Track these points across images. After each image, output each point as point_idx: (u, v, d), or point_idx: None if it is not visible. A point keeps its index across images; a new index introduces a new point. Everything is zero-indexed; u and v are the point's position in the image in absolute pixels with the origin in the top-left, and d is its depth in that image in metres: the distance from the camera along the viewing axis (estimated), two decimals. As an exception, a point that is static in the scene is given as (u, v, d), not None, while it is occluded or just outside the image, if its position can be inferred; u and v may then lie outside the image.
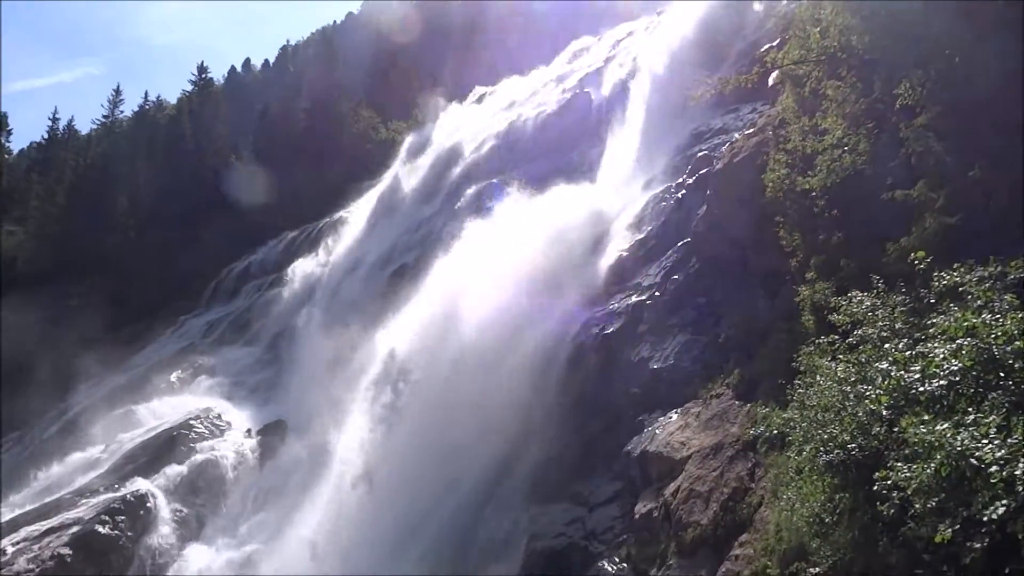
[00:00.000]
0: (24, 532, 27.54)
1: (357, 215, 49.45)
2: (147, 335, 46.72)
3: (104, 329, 46.76)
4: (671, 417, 19.32)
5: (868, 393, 8.75)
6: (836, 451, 9.00)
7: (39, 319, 48.37)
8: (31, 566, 25.34)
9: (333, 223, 50.21)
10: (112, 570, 26.81)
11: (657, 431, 19.23)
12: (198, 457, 31.55)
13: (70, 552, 26.14)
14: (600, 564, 18.77)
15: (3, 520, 29.37)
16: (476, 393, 24.25)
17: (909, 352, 8.62)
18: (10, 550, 26.41)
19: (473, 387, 24.40)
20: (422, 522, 22.99)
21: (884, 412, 8.53)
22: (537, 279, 26.34)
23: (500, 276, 26.74)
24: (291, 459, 31.32)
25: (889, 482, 7.69)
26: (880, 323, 9.90)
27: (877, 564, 8.61)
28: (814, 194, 14.84)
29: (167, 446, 32.01)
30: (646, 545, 17.31)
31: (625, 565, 18.06)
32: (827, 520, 9.61)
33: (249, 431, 33.82)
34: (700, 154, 27.82)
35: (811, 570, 9.89)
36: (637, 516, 18.06)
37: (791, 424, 10.43)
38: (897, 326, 9.67)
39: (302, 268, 46.57)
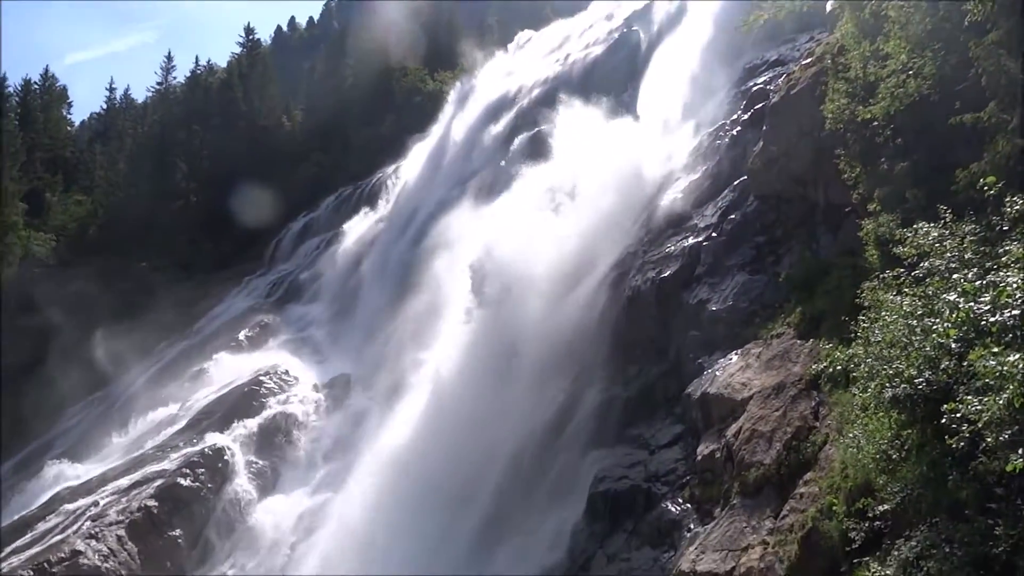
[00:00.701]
0: (112, 486, 29.14)
1: (408, 168, 49.62)
2: (214, 296, 48.20)
3: (173, 292, 48.38)
4: (731, 359, 19.14)
5: (936, 326, 8.49)
6: (903, 386, 8.79)
7: (112, 285, 50.30)
8: (120, 517, 26.84)
9: (386, 178, 50.53)
10: (195, 520, 28.25)
11: (717, 373, 19.10)
12: (269, 412, 32.73)
13: (156, 503, 27.60)
14: (663, 505, 18.96)
15: (93, 475, 31.09)
16: (539, 336, 24.47)
17: (979, 282, 8.29)
18: (101, 502, 28.01)
19: (536, 329, 24.62)
20: (488, 464, 23.47)
21: (953, 345, 8.28)
22: (591, 224, 26.19)
23: (556, 221, 26.65)
24: (357, 410, 32.25)
25: (959, 415, 7.50)
26: (948, 254, 9.52)
27: (947, 499, 8.47)
28: (876, 123, 14.23)
29: (239, 402, 33.25)
30: (709, 486, 17.37)
31: (688, 505, 18.20)
32: (894, 456, 9.46)
33: (316, 385, 34.85)
34: (755, 88, 26.93)
35: (878, 507, 9.79)
36: (699, 458, 18.10)
37: (855, 360, 10.22)
38: (966, 256, 9.29)
39: (358, 225, 47.14)
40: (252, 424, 31.96)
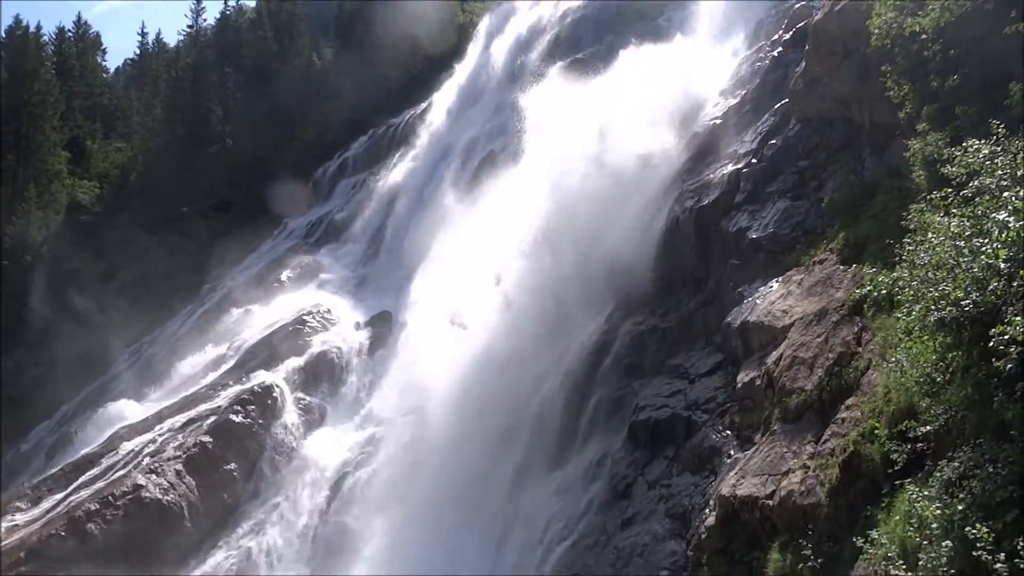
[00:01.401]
0: (168, 423, 30.31)
1: (441, 104, 49.07)
2: (254, 239, 48.85)
3: (214, 235, 49.20)
4: (772, 286, 18.94)
5: (985, 247, 8.26)
6: (949, 309, 8.63)
7: (154, 230, 51.31)
8: (178, 453, 28.00)
9: (419, 115, 50.08)
10: (249, 454, 29.35)
11: (758, 301, 18.94)
12: (313, 350, 33.51)
13: (210, 439, 28.70)
14: (703, 432, 19.12)
15: (149, 414, 32.33)
16: (580, 256, 24.47)
17: (1031, 199, 8.04)
18: (158, 439, 29.20)
19: (577, 263, 24.60)
20: (530, 396, 23.83)
21: (1002, 266, 8.06)
22: (629, 155, 25.77)
23: (595, 146, 26.28)
24: (399, 347, 32.78)
25: (1007, 337, 7.37)
26: (999, 172, 9.17)
27: (991, 420, 8.40)
28: (925, 36, 13.63)
29: (284, 341, 34.06)
30: (749, 412, 17.43)
31: (728, 432, 18.32)
32: (938, 379, 9.37)
33: (357, 323, 35.46)
34: (797, 6, 25.88)
35: (921, 429, 9.75)
36: (739, 385, 18.12)
37: (900, 284, 10.02)
38: (1019, 173, 8.95)
39: (393, 163, 47.06)
40: (298, 362, 32.79)
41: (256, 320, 37.62)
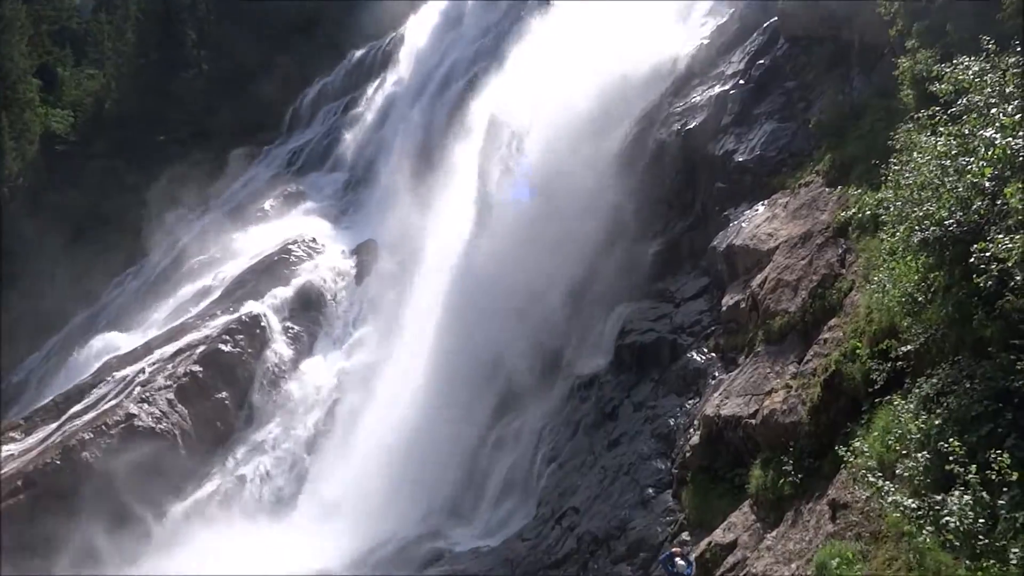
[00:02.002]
0: (157, 353, 30.44)
1: (423, 27, 47.67)
2: (235, 166, 48.02)
3: (193, 164, 48.27)
4: (757, 210, 18.94)
5: (970, 166, 8.25)
6: (933, 228, 8.67)
7: (133, 160, 50.32)
8: (168, 382, 28.20)
9: (400, 38, 48.68)
10: (240, 383, 29.64)
11: (743, 225, 18.96)
12: (299, 279, 33.47)
13: (200, 368, 28.89)
14: (688, 355, 19.41)
15: (138, 344, 32.41)
16: (567, 182, 24.29)
17: (1019, 116, 7.97)
18: (148, 369, 29.36)
19: (561, 187, 24.40)
20: (517, 322, 24.00)
21: (987, 184, 8.07)
22: (613, 77, 25.27)
23: (579, 68, 25.72)
24: (385, 274, 32.79)
25: (988, 255, 7.44)
26: (988, 89, 9.08)
27: (970, 338, 8.56)
28: (918, -50, 13.29)
29: (270, 271, 33.96)
30: (733, 335, 17.68)
31: (713, 355, 18.61)
32: (920, 299, 9.48)
33: (343, 252, 35.33)
34: (789, -81, 25.01)
35: (902, 348, 9.94)
36: (724, 308, 18.31)
37: (885, 205, 10.05)
38: (1008, 90, 8.85)
39: (374, 88, 45.99)
40: (285, 292, 32.78)
41: (241, 250, 37.38)
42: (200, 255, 38.72)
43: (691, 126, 22.52)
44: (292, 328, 31.71)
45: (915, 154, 9.84)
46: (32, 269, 43.10)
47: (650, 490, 17.42)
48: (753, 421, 13.92)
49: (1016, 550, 5.99)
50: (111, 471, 25.52)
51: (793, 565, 10.75)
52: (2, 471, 25.89)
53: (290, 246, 35.23)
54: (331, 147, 44.68)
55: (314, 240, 35.95)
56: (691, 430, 16.93)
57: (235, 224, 39.87)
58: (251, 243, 37.42)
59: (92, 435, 26.08)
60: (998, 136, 7.85)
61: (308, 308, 32.54)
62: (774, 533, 12.13)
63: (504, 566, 19.18)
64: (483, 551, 20.66)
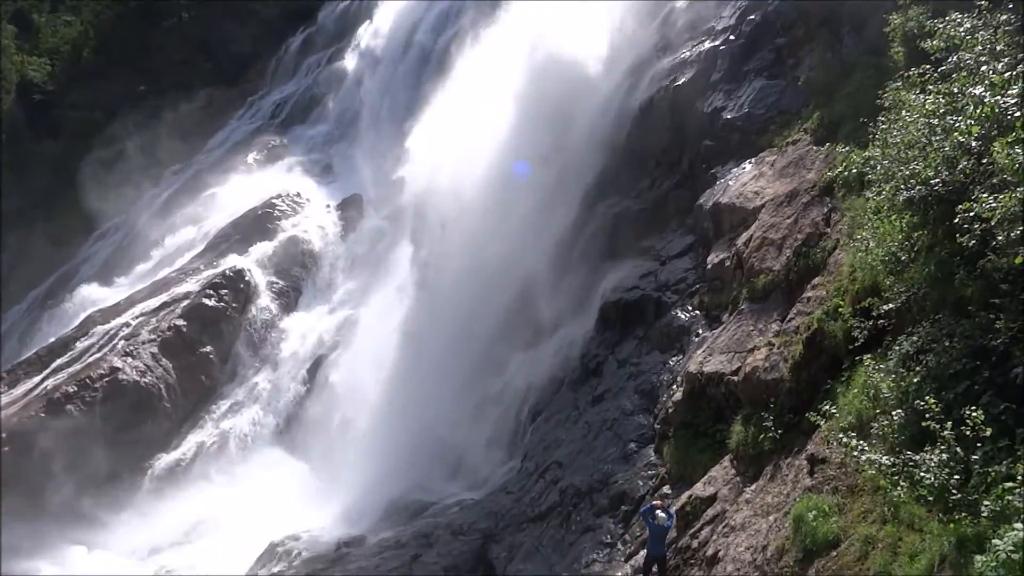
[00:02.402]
0: (141, 307, 30.27)
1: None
2: (217, 118, 47.23)
3: (176, 115, 47.42)
4: (745, 167, 18.90)
5: (958, 124, 8.23)
6: (918, 188, 8.68)
7: (112, 110, 49.32)
8: (152, 336, 28.10)
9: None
10: (224, 338, 29.59)
11: (730, 183, 18.93)
12: (284, 234, 33.23)
13: (184, 323, 28.79)
14: (673, 313, 19.52)
15: (121, 297, 32.19)
16: (554, 136, 24.06)
17: (1009, 74, 7.93)
18: (132, 323, 29.21)
19: (546, 145, 24.18)
20: (501, 280, 23.98)
21: (973, 143, 8.06)
22: (600, 29, 24.89)
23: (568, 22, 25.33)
24: (371, 230, 32.60)
25: (972, 214, 7.46)
26: (979, 47, 9.03)
27: (952, 296, 8.63)
28: (913, -99, 13.03)
29: (254, 225, 33.67)
30: (718, 293, 17.76)
31: (697, 312, 18.72)
32: (903, 258, 9.54)
33: (328, 207, 35.02)
34: None
35: (883, 306, 10.02)
36: (709, 266, 18.37)
37: (872, 163, 10.03)
38: (999, 48, 8.79)
39: (359, 38, 45.09)
40: (269, 246, 32.56)
41: (223, 204, 36.98)
42: (182, 208, 38.28)
43: (680, 82, 22.34)
44: (276, 283, 31.57)
45: (903, 112, 9.80)
46: (12, 222, 42.53)
47: (632, 445, 17.65)
48: (735, 378, 14.07)
49: (988, 503, 6.12)
50: (96, 424, 25.55)
51: (771, 517, 10.97)
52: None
53: (274, 200, 34.88)
54: (315, 100, 43.98)
55: (298, 194, 35.59)
56: (674, 386, 17.11)
57: (218, 177, 39.38)
58: (234, 197, 36.99)
59: (76, 388, 26.05)
60: (987, 94, 7.81)
61: (292, 263, 32.36)
62: (753, 487, 12.35)
63: (488, 518, 19.48)
64: (468, 504, 20.96)
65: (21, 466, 23.91)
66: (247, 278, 31.03)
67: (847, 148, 11.73)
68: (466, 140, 27.68)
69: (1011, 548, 5.43)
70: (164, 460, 26.21)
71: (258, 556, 20.55)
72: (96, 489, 24.21)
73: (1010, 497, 6.00)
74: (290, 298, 31.62)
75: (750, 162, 18.82)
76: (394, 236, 29.64)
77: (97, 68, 56.05)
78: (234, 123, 47.12)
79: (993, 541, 5.65)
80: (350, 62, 43.77)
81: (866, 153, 10.42)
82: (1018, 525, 5.58)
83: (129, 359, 27.26)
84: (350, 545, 20.34)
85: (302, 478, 24.95)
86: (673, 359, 18.65)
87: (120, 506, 24.30)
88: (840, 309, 11.84)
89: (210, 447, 26.70)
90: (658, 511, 12.30)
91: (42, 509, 23.51)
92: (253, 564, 20.41)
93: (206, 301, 29.65)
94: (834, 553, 8.93)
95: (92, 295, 34.62)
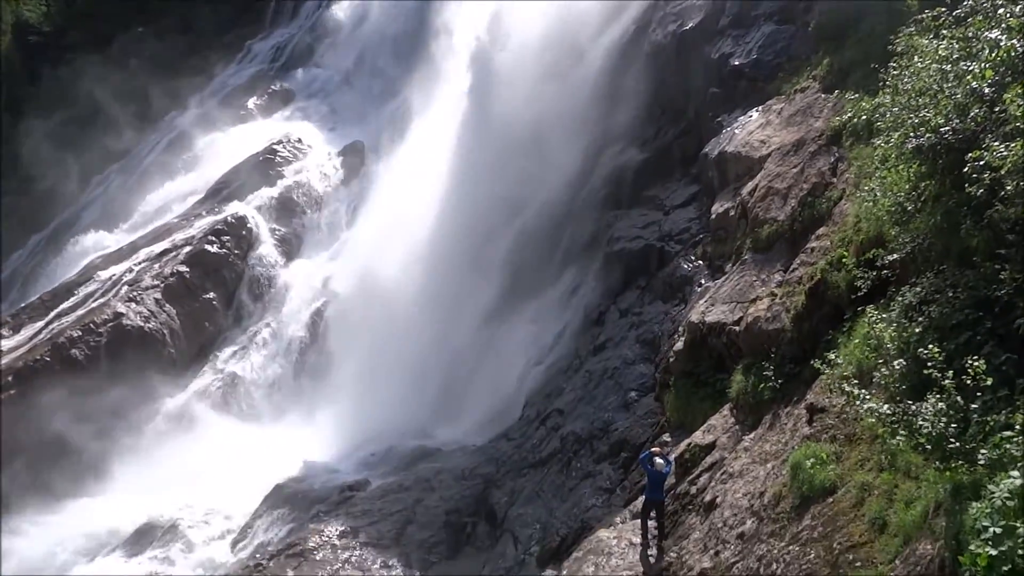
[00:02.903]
0: (143, 253, 30.25)
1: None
2: (217, 63, 46.46)
3: (176, 60, 46.60)
4: (751, 115, 18.63)
5: (971, 69, 8.06)
6: (928, 135, 8.52)
7: (110, 53, 48.53)
8: (155, 282, 28.14)
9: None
10: (227, 284, 29.63)
11: (736, 131, 18.69)
12: (286, 180, 32.99)
13: (187, 269, 28.80)
14: (676, 263, 19.50)
15: (124, 243, 32.14)
16: (553, 100, 23.74)
17: (1025, 17, 7.72)
18: (135, 268, 29.21)
19: (550, 93, 23.85)
20: (504, 229, 23.92)
21: (987, 90, 7.89)
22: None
23: None
24: (372, 177, 32.36)
25: (982, 163, 7.35)
26: (996, -11, 8.79)
27: (957, 247, 8.56)
28: None
29: (256, 171, 33.41)
30: (721, 243, 17.70)
31: (700, 262, 18.69)
32: (909, 208, 9.44)
33: (329, 153, 34.70)
34: None
35: (888, 257, 9.95)
36: (713, 216, 18.27)
37: (881, 111, 9.86)
38: (1017, -9, 8.57)
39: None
40: (271, 193, 32.37)
41: (225, 149, 36.62)
42: (183, 154, 37.95)
43: (688, 27, 21.93)
44: (278, 230, 31.48)
45: (915, 58, 9.59)
46: (13, 166, 42.23)
47: (633, 393, 17.82)
48: (737, 328, 14.08)
49: (985, 451, 6.16)
50: (101, 368, 25.77)
51: (768, 465, 11.09)
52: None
53: (275, 146, 34.54)
54: (316, 43, 43.20)
55: (300, 140, 35.23)
56: (675, 336, 17.15)
57: (218, 122, 38.93)
58: (235, 142, 36.63)
59: (80, 333, 26.19)
60: (1003, 37, 7.62)
61: (295, 210, 32.21)
62: (752, 435, 12.46)
63: (490, 464, 19.79)
64: (470, 449, 21.28)
65: (27, 410, 24.16)
66: (249, 224, 30.94)
67: (856, 95, 11.52)
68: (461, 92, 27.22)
69: (1006, 495, 5.47)
70: (170, 404, 26.49)
71: (263, 498, 20.92)
72: (102, 431, 24.53)
73: (1008, 446, 6.03)
74: (292, 245, 31.56)
75: (757, 110, 18.55)
76: (397, 184, 29.40)
77: (94, 9, 55.01)
78: (234, 67, 46.32)
79: (989, 488, 5.70)
80: (350, 4, 42.86)
81: (876, 100, 10.23)
82: (1015, 473, 5.62)
83: (133, 304, 27.34)
84: (354, 488, 20.70)
85: (306, 423, 25.25)
86: (675, 309, 18.70)
87: (126, 449, 24.65)
88: (844, 259, 11.77)
89: (215, 392, 26.97)
90: (656, 458, 12.43)
91: (47, 452, 23.84)
92: (258, 506, 20.80)
93: (208, 247, 29.61)
94: (830, 500, 9.06)
95: (95, 240, 34.56)
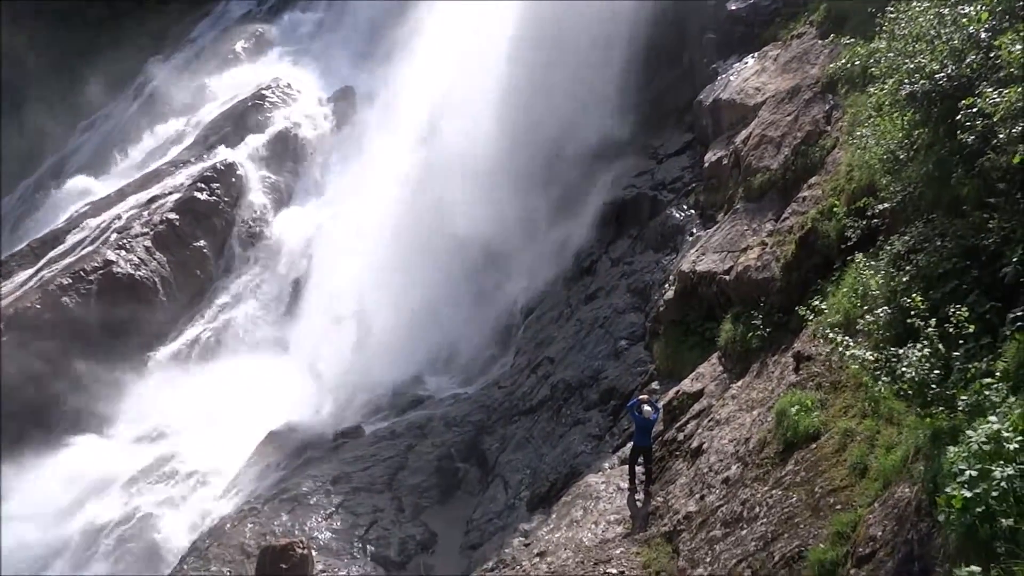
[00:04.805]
0: (132, 200, 29.96)
1: None
2: (202, 3, 45.36)
3: (157, 3, 45.52)
4: (747, 62, 18.39)
5: (969, 12, 7.94)
6: (922, 82, 8.43)
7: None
8: (145, 230, 27.93)
9: None
10: (217, 232, 29.43)
11: (731, 78, 18.46)
12: (275, 127, 32.52)
13: (177, 216, 28.58)
14: (668, 212, 19.44)
15: (112, 190, 31.78)
16: (545, 47, 23.33)
17: (1026, -40, 7.57)
18: (123, 216, 28.97)
19: (542, 39, 23.42)
20: (495, 178, 23.71)
21: (983, 35, 7.79)
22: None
23: None
24: (363, 124, 31.93)
25: (975, 109, 7.28)
26: (997, -69, 8.59)
27: (947, 196, 8.54)
28: None
29: (244, 117, 32.91)
30: (714, 192, 17.63)
31: (692, 211, 18.63)
32: (901, 156, 9.39)
33: (320, 99, 34.17)
34: None
35: (878, 206, 9.94)
36: (707, 165, 18.16)
37: (877, 56, 9.72)
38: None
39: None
40: (260, 139, 31.93)
41: (213, 94, 36.02)
42: (171, 98, 37.29)
43: (684, -30, 21.44)
44: (269, 178, 31.16)
45: (913, 2, 9.42)
46: (2, 110, 41.49)
47: (623, 342, 17.92)
48: (727, 277, 14.12)
49: (965, 398, 6.24)
50: (93, 315, 25.75)
51: (755, 412, 11.24)
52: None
53: (264, 91, 33.96)
54: (305, -15, 42.15)
55: (289, 85, 34.62)
56: (666, 285, 17.21)
57: (206, 66, 38.20)
58: (223, 87, 36.03)
59: (71, 280, 26.08)
60: (1002, -20, 7.49)
61: (284, 157, 31.83)
62: (739, 383, 12.60)
63: (481, 411, 19.98)
64: (462, 397, 21.46)
65: (19, 357, 24.20)
66: (239, 172, 30.60)
67: (852, 40, 11.34)
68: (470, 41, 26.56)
69: (983, 440, 5.56)
70: (162, 352, 26.55)
71: (256, 445, 21.14)
72: (95, 379, 24.62)
73: (988, 392, 6.11)
74: (282, 192, 31.28)
75: (753, 56, 18.30)
76: (387, 131, 29.01)
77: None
78: (220, 8, 45.23)
79: (967, 433, 5.79)
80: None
81: (871, 45, 10.08)
82: (993, 418, 5.70)
83: (123, 252, 27.17)
84: (347, 435, 20.92)
85: (298, 370, 25.34)
86: (666, 258, 18.70)
87: (119, 395, 24.80)
88: (835, 209, 11.77)
89: (207, 340, 27.00)
90: (644, 406, 12.58)
91: (41, 400, 23.97)
92: (252, 453, 21.02)
93: (198, 195, 29.34)
94: (813, 445, 9.21)
95: (83, 186, 34.16)
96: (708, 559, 9.44)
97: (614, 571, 10.86)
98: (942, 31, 8.46)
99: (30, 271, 28.01)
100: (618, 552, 11.33)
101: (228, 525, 17.60)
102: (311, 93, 34.61)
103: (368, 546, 16.97)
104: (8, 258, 29.43)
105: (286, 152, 31.90)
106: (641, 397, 13.18)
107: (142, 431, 23.23)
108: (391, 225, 25.76)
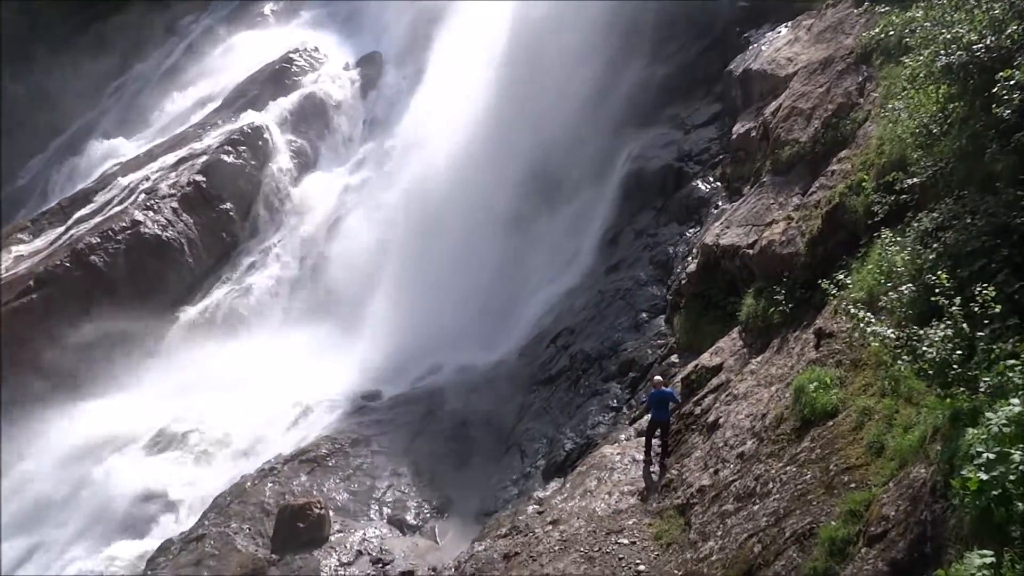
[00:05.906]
0: (160, 162, 30.16)
1: None
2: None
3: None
4: (780, 31, 17.94)
5: (1012, -19, 7.67)
6: (959, 53, 8.16)
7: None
8: (172, 191, 28.14)
9: None
10: (244, 195, 29.56)
11: (763, 48, 18.03)
12: (302, 91, 32.42)
13: (203, 178, 28.72)
14: (694, 184, 19.17)
15: (140, 151, 32.01)
16: (578, 11, 22.92)
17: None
18: (151, 177, 29.20)
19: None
20: (523, 146, 23.47)
21: (1024, 5, 7.51)
22: None
23: None
24: (391, 90, 31.77)
25: (1013, 82, 7.03)
26: None
27: (980, 172, 8.30)
28: None
29: (272, 80, 32.86)
30: (741, 164, 17.33)
31: (718, 184, 18.36)
32: (935, 130, 9.14)
33: (347, 64, 34.00)
34: None
35: (908, 181, 9.70)
36: (734, 137, 17.83)
37: (913, 26, 9.42)
38: None
39: None
40: (287, 103, 31.88)
41: (240, 58, 35.95)
42: (199, 61, 37.34)
43: (719, -65, 20.89)
44: (295, 142, 31.16)
45: (954, -31, 9.09)
46: (33, 69, 41.82)
47: (644, 314, 17.81)
48: (751, 251, 13.92)
49: (987, 379, 6.10)
50: (120, 275, 26.08)
51: (773, 388, 11.12)
52: (13, 271, 26.49)
53: (291, 55, 33.85)
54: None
55: (316, 49, 34.47)
56: (689, 258, 17.03)
57: (234, 28, 38.13)
58: (251, 50, 35.92)
59: (99, 239, 26.40)
60: (1047, -52, 7.17)
61: (311, 121, 31.78)
62: (759, 358, 12.47)
63: (500, 379, 20.04)
64: (481, 365, 21.50)
65: (47, 312, 24.62)
66: (265, 135, 30.62)
67: (887, 9, 10.99)
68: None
69: (1004, 422, 5.43)
70: (188, 312, 26.86)
71: (277, 405, 21.42)
72: (121, 337, 25.02)
73: (1011, 374, 5.96)
74: (308, 157, 31.29)
75: (786, 26, 17.85)
76: (415, 99, 28.79)
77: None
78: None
79: (987, 415, 5.66)
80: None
81: (908, 14, 9.76)
82: (1015, 400, 5.56)
83: (150, 213, 27.41)
84: (367, 399, 21.15)
85: (323, 336, 25.50)
86: (690, 231, 18.49)
87: (145, 355, 25.18)
88: (864, 183, 11.49)
89: (233, 300, 27.24)
90: (663, 387, 12.67)
91: (68, 355, 24.41)
92: (273, 413, 21.32)
93: (224, 157, 29.44)
94: (831, 423, 9.10)
95: (112, 147, 34.44)
96: (719, 532, 9.42)
97: (625, 541, 10.89)
98: (982, 0, 8.16)
99: (60, 229, 28.41)
100: (630, 523, 11.36)
101: (249, 484, 17.92)
102: (338, 57, 34.46)
103: (385, 508, 17.22)
104: (39, 215, 29.85)
105: (312, 116, 31.85)
106: (657, 379, 13.19)
107: (167, 390, 23.57)
108: (415, 189, 25.68)
